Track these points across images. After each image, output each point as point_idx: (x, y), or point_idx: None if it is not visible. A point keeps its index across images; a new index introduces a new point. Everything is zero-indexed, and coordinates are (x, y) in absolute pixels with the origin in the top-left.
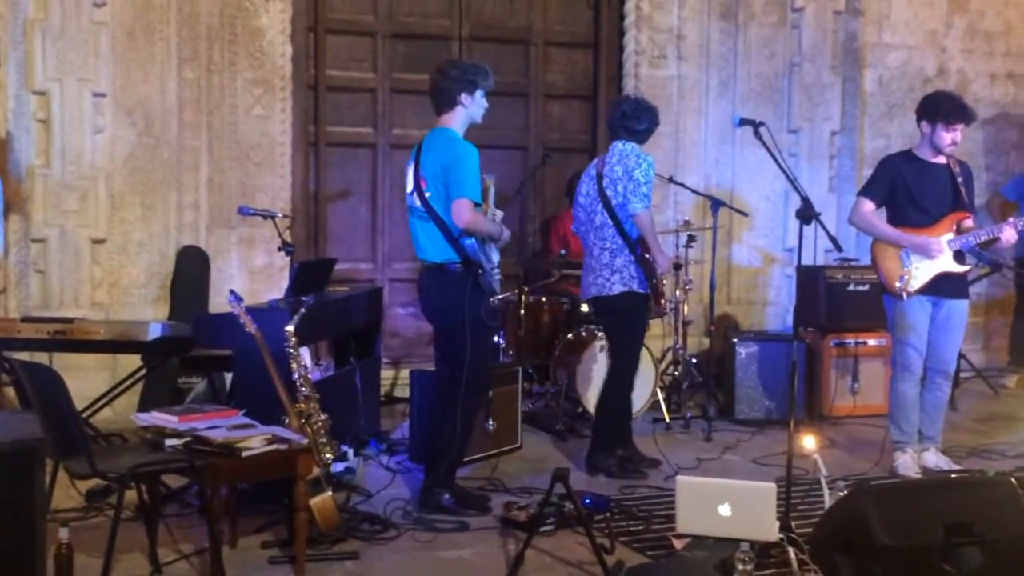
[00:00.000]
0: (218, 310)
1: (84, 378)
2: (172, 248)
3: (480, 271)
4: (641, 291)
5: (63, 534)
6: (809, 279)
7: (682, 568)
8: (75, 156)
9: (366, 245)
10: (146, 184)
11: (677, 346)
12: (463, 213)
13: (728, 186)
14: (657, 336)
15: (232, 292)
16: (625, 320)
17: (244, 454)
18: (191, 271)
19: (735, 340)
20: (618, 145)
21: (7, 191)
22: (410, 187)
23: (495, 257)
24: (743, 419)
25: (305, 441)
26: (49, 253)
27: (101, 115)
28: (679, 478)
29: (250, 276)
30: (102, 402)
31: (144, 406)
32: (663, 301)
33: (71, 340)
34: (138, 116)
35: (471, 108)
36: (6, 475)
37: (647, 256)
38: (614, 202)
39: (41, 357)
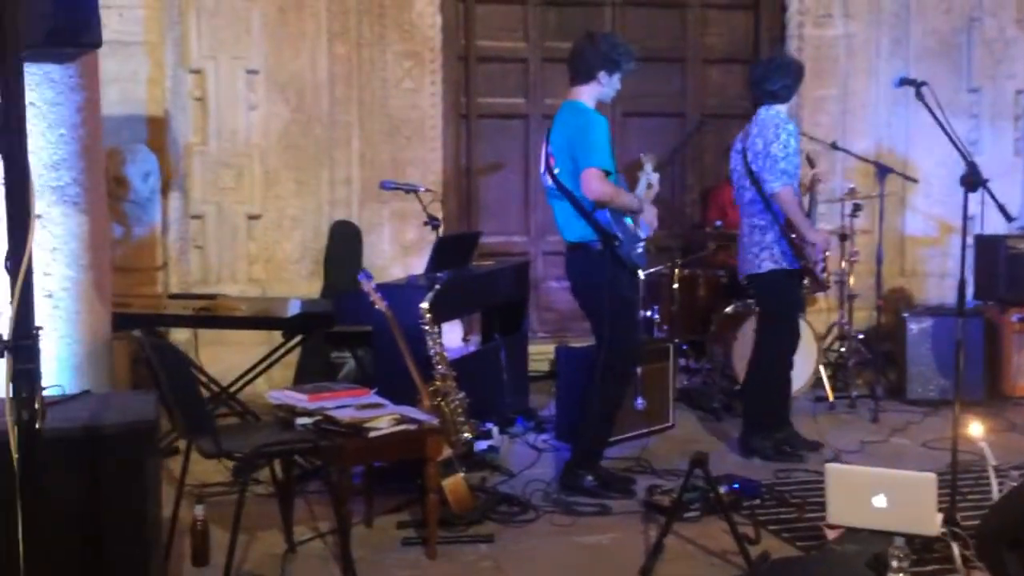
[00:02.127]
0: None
1: (240, 353)
2: (325, 223)
3: (617, 243)
4: (792, 268)
5: (198, 510)
6: (988, 249)
7: (829, 564)
8: (230, 133)
9: (519, 218)
10: (299, 160)
11: (842, 321)
12: (592, 183)
13: (901, 151)
14: (821, 310)
15: (363, 270)
16: (775, 298)
17: (371, 434)
18: (344, 246)
19: (906, 315)
20: (760, 114)
21: (166, 169)
22: (542, 166)
23: (644, 231)
24: (915, 399)
25: (436, 421)
26: (207, 229)
27: (254, 92)
28: (828, 466)
29: (402, 250)
30: (248, 378)
31: (299, 380)
32: (827, 275)
33: (214, 316)
34: (290, 92)
35: (606, 88)
36: (116, 457)
37: (793, 236)
38: (758, 176)
39: (185, 333)
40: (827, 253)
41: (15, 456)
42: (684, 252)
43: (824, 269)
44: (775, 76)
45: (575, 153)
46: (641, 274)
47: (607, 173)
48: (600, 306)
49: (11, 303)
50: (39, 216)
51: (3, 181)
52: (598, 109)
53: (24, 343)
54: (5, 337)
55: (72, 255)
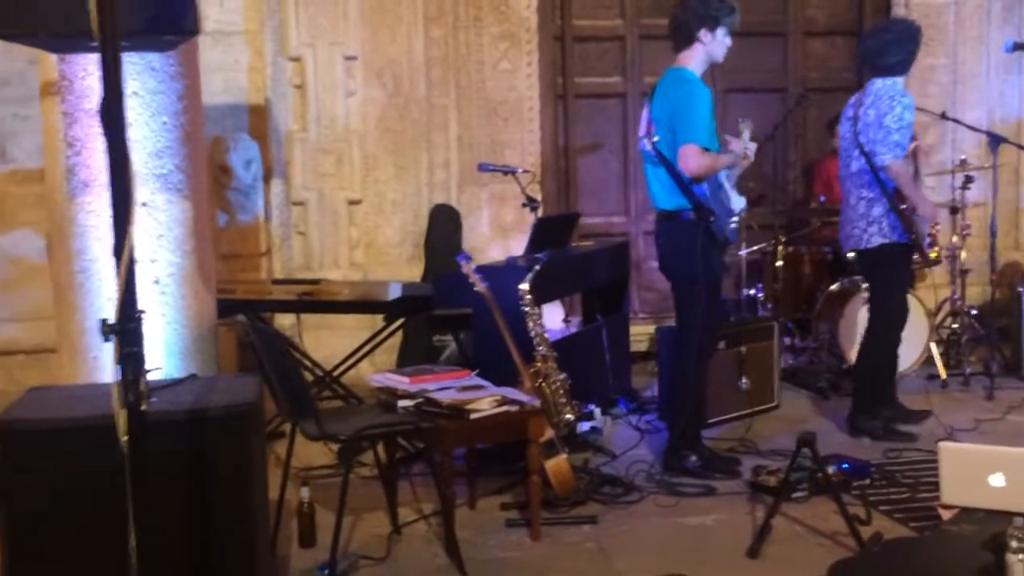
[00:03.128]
0: None
1: (343, 337)
2: (424, 207)
3: (712, 218)
4: (902, 241)
5: (304, 492)
6: None
7: (945, 544)
8: (329, 120)
9: (618, 198)
10: (398, 144)
11: (955, 297)
12: (689, 161)
13: (1015, 120)
14: (932, 286)
15: (462, 252)
16: (885, 273)
17: (472, 416)
18: (443, 229)
19: (1021, 289)
20: (875, 83)
21: (268, 156)
22: (642, 131)
23: (736, 204)
24: None
25: (537, 403)
26: (309, 215)
27: (352, 78)
28: (941, 444)
29: (501, 232)
30: (351, 361)
31: (401, 363)
32: (937, 249)
33: (317, 301)
34: (387, 77)
35: (710, 46)
36: (221, 439)
37: (904, 208)
38: (868, 148)
39: (289, 318)
40: (936, 227)
41: (123, 438)
42: (787, 229)
43: (932, 243)
44: (893, 49)
45: (675, 125)
46: (742, 251)
47: (704, 149)
48: (688, 275)
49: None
50: (144, 204)
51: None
52: (706, 77)
53: (129, 326)
54: (111, 321)
55: (176, 241)
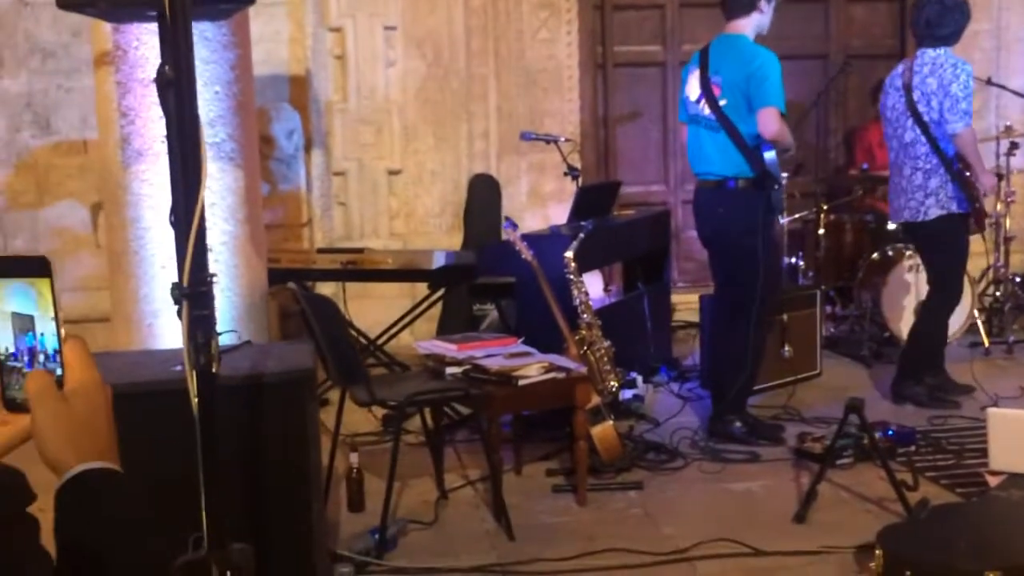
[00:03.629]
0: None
1: (384, 306)
2: (464, 177)
3: (776, 186)
4: (961, 211)
5: (353, 459)
6: None
7: (994, 509)
8: (369, 90)
9: (657, 167)
10: (437, 115)
11: (998, 264)
12: (772, 123)
13: None
14: (976, 254)
15: (507, 219)
16: (945, 245)
17: (520, 383)
18: (483, 199)
19: None
20: (928, 53)
21: (309, 127)
22: (695, 95)
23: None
24: None
25: (584, 370)
26: (349, 185)
27: (392, 48)
28: (990, 410)
29: (541, 202)
30: (394, 330)
31: (442, 332)
32: (985, 218)
33: (361, 270)
34: (427, 47)
35: (766, 15)
36: (277, 404)
37: (967, 174)
38: (927, 118)
39: (331, 286)
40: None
41: (194, 400)
42: (829, 197)
43: (985, 214)
44: (948, 19)
45: (751, 90)
46: (784, 220)
47: (782, 114)
48: (749, 244)
49: (185, 253)
50: None
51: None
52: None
53: (200, 290)
54: (183, 285)
55: (229, 210)
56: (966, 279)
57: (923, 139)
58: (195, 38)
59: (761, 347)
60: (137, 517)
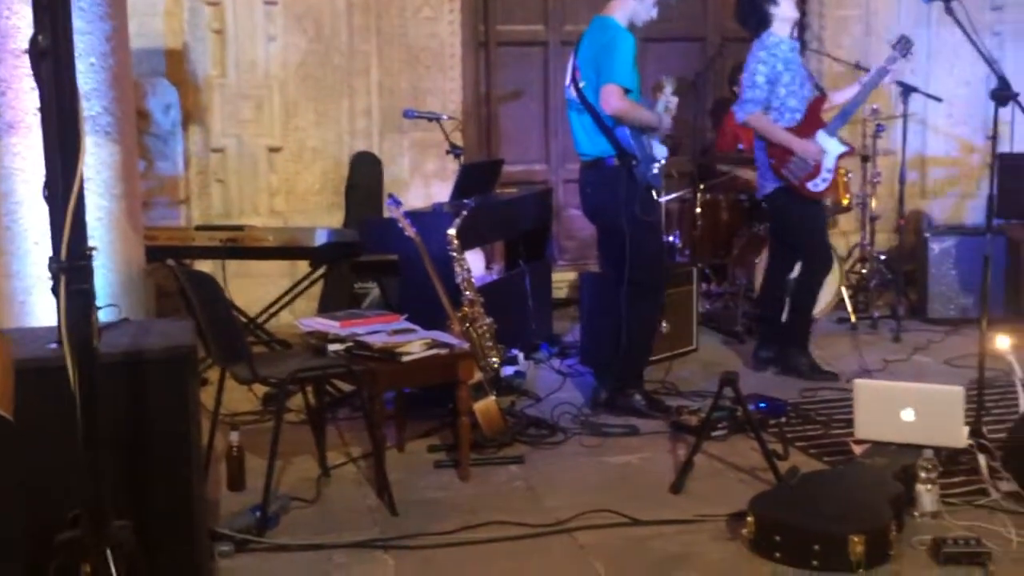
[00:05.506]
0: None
1: (264, 285)
2: (345, 154)
3: (634, 162)
4: (777, 186)
5: (234, 437)
6: (1011, 167)
7: (859, 475)
8: (249, 65)
9: (539, 146)
10: (318, 91)
11: (865, 243)
12: (611, 99)
13: (923, 71)
14: (843, 232)
15: (391, 196)
16: (783, 219)
17: (404, 359)
18: (364, 177)
19: (928, 235)
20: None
21: (186, 102)
22: (568, 79)
23: (659, 152)
24: (936, 318)
25: (467, 346)
26: (228, 162)
27: (273, 23)
28: (857, 381)
29: (423, 180)
30: (275, 308)
31: (324, 311)
32: (848, 197)
33: (242, 247)
34: (308, 23)
35: (643, 5)
36: (158, 381)
37: (772, 160)
38: None
39: (210, 264)
40: (848, 175)
41: (72, 376)
42: (705, 176)
43: (828, 183)
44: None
45: (599, 67)
46: (662, 199)
47: (627, 91)
48: (615, 221)
49: (62, 226)
50: None
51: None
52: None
53: (79, 263)
54: (60, 258)
55: (105, 185)
56: (835, 258)
57: None
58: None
59: (648, 321)
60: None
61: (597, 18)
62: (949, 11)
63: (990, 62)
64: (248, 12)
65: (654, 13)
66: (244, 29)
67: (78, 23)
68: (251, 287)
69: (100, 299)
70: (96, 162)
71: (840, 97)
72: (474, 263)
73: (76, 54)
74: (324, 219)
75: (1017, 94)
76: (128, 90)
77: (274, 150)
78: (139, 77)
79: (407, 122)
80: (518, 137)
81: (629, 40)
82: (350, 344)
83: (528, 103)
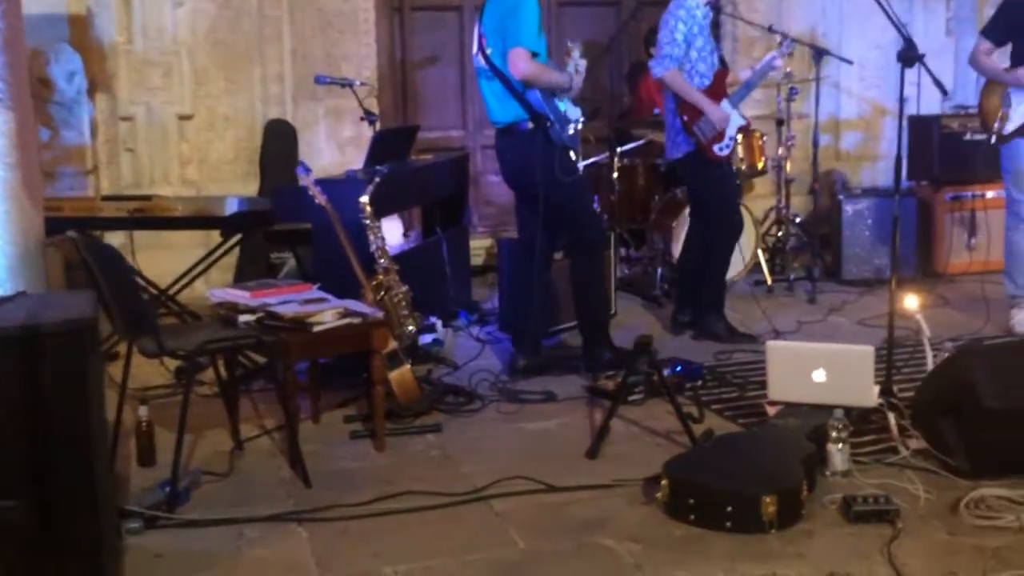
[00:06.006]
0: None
1: (177, 256)
2: (259, 122)
3: (548, 124)
4: (689, 149)
5: (142, 412)
6: (922, 130)
7: (771, 436)
8: (156, 31)
9: (456, 112)
10: (229, 57)
11: (780, 206)
12: (518, 63)
13: (835, 35)
14: (759, 196)
15: (301, 163)
16: (695, 181)
17: (316, 329)
18: (279, 145)
19: (842, 197)
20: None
21: (92, 69)
22: (475, 47)
23: (572, 114)
24: (851, 279)
25: (380, 315)
26: (137, 131)
27: None
28: (769, 343)
29: (339, 148)
30: (186, 279)
31: (239, 281)
32: (763, 160)
33: (150, 217)
34: None
35: None
36: (57, 355)
37: (685, 117)
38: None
39: (121, 236)
40: (763, 138)
41: None
42: (622, 141)
43: (730, 149)
44: None
45: (504, 32)
46: (579, 164)
47: (534, 54)
48: (534, 184)
49: None
50: None
51: None
52: None
53: None
54: None
55: None
56: (750, 220)
57: None
58: None
59: (594, 277)
60: None
61: None
62: None
63: (897, 25)
64: None
65: None
66: None
67: None
68: (164, 259)
69: None
70: None
71: (741, 76)
72: (391, 230)
73: None
74: (239, 188)
75: (923, 55)
76: (21, 55)
77: (185, 118)
78: (41, 44)
79: (322, 89)
80: (435, 103)
81: (533, 3)
82: (261, 315)
83: (444, 69)
